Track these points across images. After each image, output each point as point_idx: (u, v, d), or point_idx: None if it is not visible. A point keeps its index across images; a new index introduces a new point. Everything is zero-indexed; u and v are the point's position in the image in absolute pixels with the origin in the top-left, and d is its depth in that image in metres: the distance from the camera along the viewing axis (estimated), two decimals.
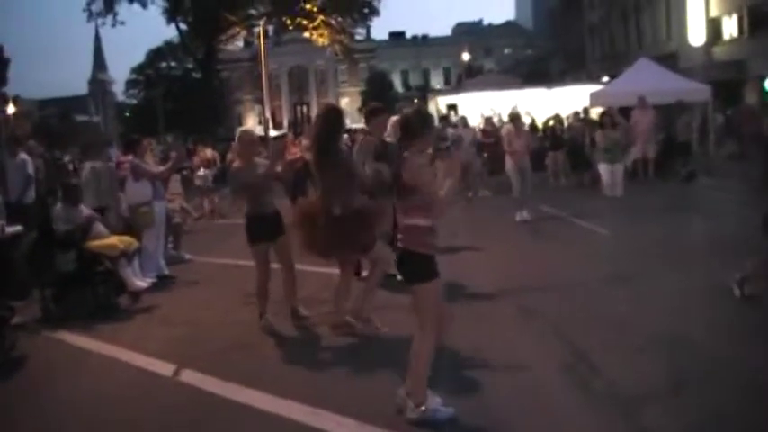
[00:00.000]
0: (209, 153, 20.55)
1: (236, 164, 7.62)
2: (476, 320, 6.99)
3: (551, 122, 22.17)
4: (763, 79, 29.35)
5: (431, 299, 4.79)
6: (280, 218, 7.41)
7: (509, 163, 13.83)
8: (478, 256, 10.53)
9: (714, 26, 34.01)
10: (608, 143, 15.16)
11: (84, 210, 9.05)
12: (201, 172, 19.49)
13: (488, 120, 23.09)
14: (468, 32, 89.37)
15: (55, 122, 69.24)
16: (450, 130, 19.17)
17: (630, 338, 6.17)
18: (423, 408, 4.65)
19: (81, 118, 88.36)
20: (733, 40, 32.79)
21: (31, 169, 12.56)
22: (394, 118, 12.89)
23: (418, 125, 4.91)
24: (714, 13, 33.95)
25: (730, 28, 33.12)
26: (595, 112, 23.50)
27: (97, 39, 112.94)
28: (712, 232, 11.43)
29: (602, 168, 15.34)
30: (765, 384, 5.06)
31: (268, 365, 6.20)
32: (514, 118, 14.65)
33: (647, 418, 4.59)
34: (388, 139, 8.06)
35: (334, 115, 6.88)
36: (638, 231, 11.60)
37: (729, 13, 32.95)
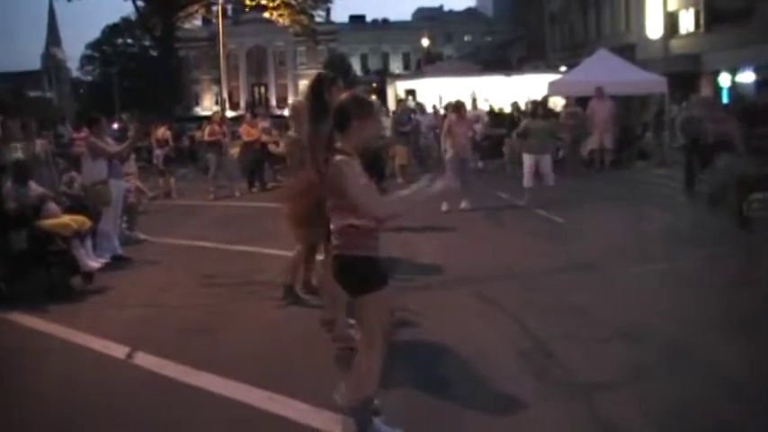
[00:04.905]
0: (160, 132, 20.21)
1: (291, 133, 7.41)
2: (433, 309, 7.00)
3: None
4: (717, 74, 29.77)
5: (380, 311, 4.20)
6: None
7: (449, 152, 13.66)
8: (435, 243, 10.55)
9: (671, 20, 34.40)
10: (533, 133, 14.00)
11: (35, 188, 8.90)
12: (157, 152, 19.29)
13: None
14: (429, 18, 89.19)
15: (7, 98, 67.72)
16: (412, 116, 19.19)
17: (589, 327, 6.23)
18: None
19: (34, 93, 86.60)
20: (689, 35, 33.20)
21: None
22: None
23: (353, 112, 4.17)
24: (672, 6, 34.33)
25: (687, 22, 33.53)
26: (552, 101, 23.75)
27: (51, 12, 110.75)
28: (666, 221, 11.60)
29: (525, 158, 14.03)
30: (725, 373, 5.13)
31: (224, 349, 6.15)
32: (458, 106, 14.19)
33: (606, 408, 4.63)
34: None
35: (320, 84, 6.40)
36: (593, 220, 11.72)
37: (687, 8, 33.35)
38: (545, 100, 22.31)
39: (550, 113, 20.28)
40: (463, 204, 13.28)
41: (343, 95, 4.42)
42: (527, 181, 13.80)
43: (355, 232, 4.10)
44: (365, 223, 4.10)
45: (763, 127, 9.82)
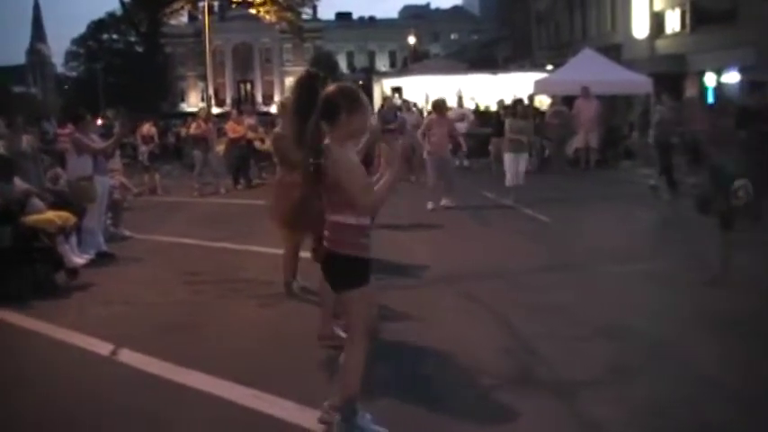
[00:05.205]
0: (145, 129, 20.10)
1: (278, 129, 7.39)
2: (419, 307, 7.01)
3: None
4: (702, 74, 29.91)
5: (360, 308, 4.20)
6: None
7: (429, 151, 13.65)
8: (421, 242, 10.56)
9: (657, 20, 34.51)
10: (514, 133, 14.18)
11: (20, 184, 8.84)
12: (142, 148, 19.25)
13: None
14: (416, 16, 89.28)
15: None
16: (398, 113, 19.17)
17: (573, 326, 6.26)
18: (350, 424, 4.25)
19: (19, 89, 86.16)
20: (675, 35, 33.31)
21: None
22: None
23: (342, 105, 4.10)
24: (658, 6, 34.45)
25: (673, 22, 33.64)
26: (538, 100, 23.85)
27: (36, 7, 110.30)
28: (650, 220, 11.68)
29: (506, 157, 14.25)
30: (708, 372, 5.17)
31: (209, 346, 6.13)
32: (438, 105, 14.24)
33: (589, 406, 4.65)
34: None
35: (313, 82, 6.36)
36: (578, 219, 11.79)
37: (673, 8, 33.48)
38: (530, 99, 22.40)
39: (536, 112, 20.37)
40: (444, 202, 13.29)
41: (331, 87, 4.34)
42: (509, 180, 13.85)
43: (347, 229, 4.11)
44: (358, 221, 4.11)
45: (762, 126, 9.85)
